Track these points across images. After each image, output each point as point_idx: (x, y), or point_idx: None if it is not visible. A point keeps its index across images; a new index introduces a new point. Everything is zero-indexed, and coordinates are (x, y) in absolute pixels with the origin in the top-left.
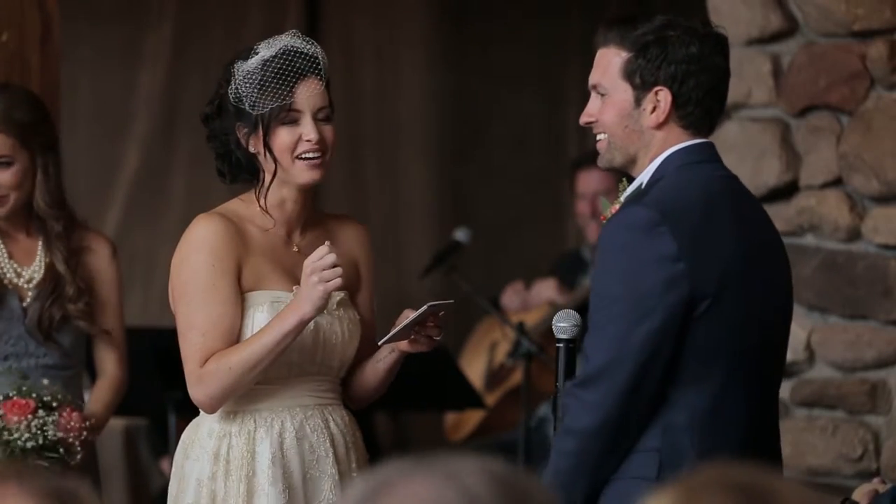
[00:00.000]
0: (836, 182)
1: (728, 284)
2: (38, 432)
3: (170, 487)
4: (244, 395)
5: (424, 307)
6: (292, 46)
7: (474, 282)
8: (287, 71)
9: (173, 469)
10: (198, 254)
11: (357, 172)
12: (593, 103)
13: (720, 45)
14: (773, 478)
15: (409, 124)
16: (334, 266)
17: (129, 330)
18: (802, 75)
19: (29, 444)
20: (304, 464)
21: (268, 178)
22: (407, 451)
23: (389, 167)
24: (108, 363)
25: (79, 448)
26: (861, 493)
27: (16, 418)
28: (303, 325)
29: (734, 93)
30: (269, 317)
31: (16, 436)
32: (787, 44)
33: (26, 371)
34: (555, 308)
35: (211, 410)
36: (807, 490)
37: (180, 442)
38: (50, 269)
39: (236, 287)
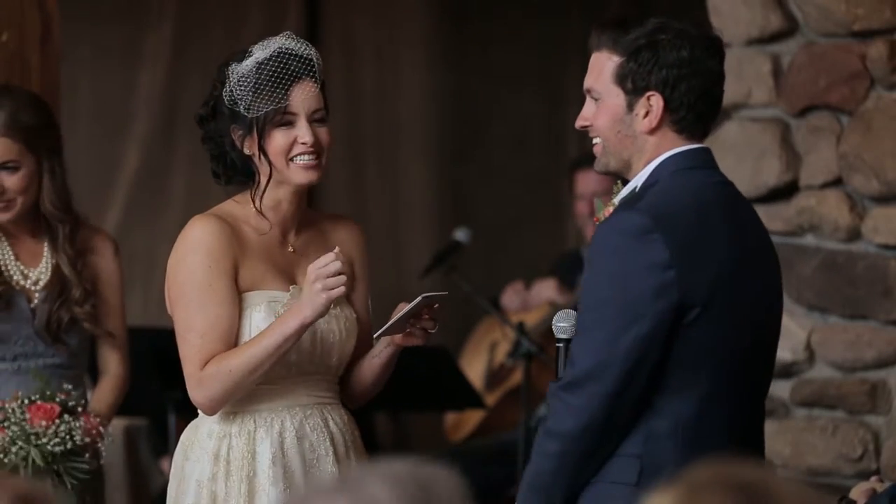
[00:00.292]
0: (836, 182)
1: (719, 292)
2: (67, 437)
3: (169, 489)
4: (244, 395)
5: (419, 298)
6: (287, 48)
7: (474, 282)
8: (282, 73)
9: (172, 470)
10: (194, 255)
11: (357, 172)
12: (588, 107)
13: (713, 47)
14: (773, 477)
15: (409, 124)
16: (339, 273)
17: (129, 330)
18: (802, 75)
19: (57, 449)
20: (305, 463)
21: (263, 180)
22: (407, 451)
23: (389, 167)
24: (112, 363)
25: (103, 451)
26: (858, 491)
27: (44, 423)
28: (304, 329)
29: (734, 93)
30: (266, 316)
31: (44, 440)
32: (787, 44)
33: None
34: (555, 308)
35: (211, 412)
36: (806, 489)
37: (179, 443)
38: (56, 271)
39: (233, 288)
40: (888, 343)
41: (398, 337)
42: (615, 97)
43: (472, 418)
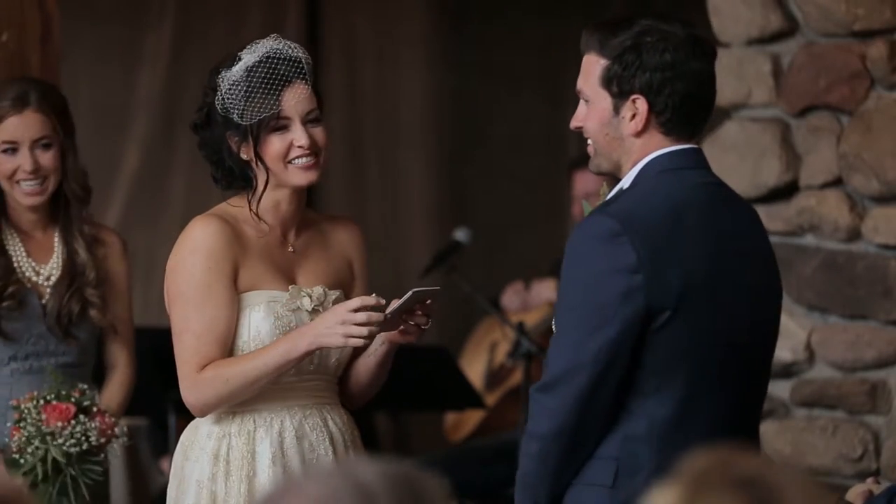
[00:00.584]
0: (836, 182)
1: (691, 296)
2: (82, 437)
3: (169, 489)
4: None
5: (409, 293)
6: (275, 51)
7: (474, 282)
8: (272, 79)
9: (172, 470)
10: (194, 256)
11: (357, 172)
12: (580, 109)
13: (699, 48)
14: (777, 469)
15: (409, 124)
16: (364, 325)
17: None
18: (802, 75)
19: (73, 450)
20: (305, 463)
21: (260, 186)
22: (407, 451)
23: (389, 167)
24: (119, 361)
25: (118, 449)
26: (855, 493)
27: (60, 423)
28: (309, 355)
29: (734, 93)
30: (265, 316)
31: (60, 441)
32: (787, 44)
33: (46, 371)
34: (554, 308)
35: (201, 415)
36: (810, 481)
37: (179, 443)
38: (67, 260)
39: (232, 290)
40: (888, 343)
41: (392, 334)
42: (602, 100)
43: (472, 418)
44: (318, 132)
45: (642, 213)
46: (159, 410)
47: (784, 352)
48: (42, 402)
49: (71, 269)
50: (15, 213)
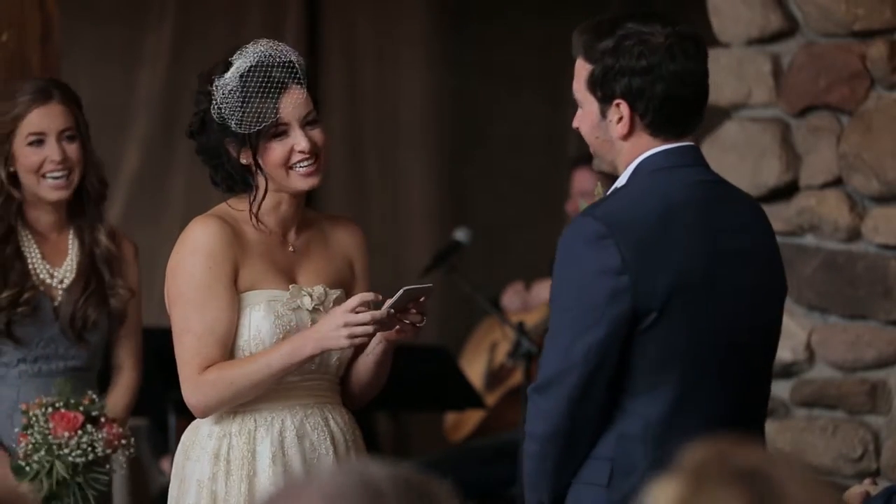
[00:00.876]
0: (836, 182)
1: (679, 298)
2: (89, 448)
3: (170, 489)
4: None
5: (400, 292)
6: (268, 56)
7: (474, 282)
8: (268, 85)
9: (174, 471)
10: (194, 256)
11: (357, 172)
12: (578, 111)
13: (680, 48)
14: (777, 461)
15: (409, 124)
16: (367, 324)
17: None
18: (802, 75)
19: (79, 460)
20: (306, 462)
21: (259, 192)
22: (407, 451)
23: (389, 167)
24: (126, 363)
25: (123, 460)
26: (852, 494)
27: (67, 433)
28: (313, 358)
29: (734, 93)
30: (265, 315)
31: (66, 451)
32: (787, 44)
33: (54, 373)
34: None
35: (202, 416)
36: (811, 474)
37: (180, 443)
38: (82, 262)
39: (232, 290)
40: (888, 343)
41: (389, 333)
42: (590, 104)
43: (472, 418)
44: (317, 133)
45: (630, 215)
46: (159, 410)
47: (784, 352)
48: (51, 409)
49: (86, 272)
50: (32, 215)
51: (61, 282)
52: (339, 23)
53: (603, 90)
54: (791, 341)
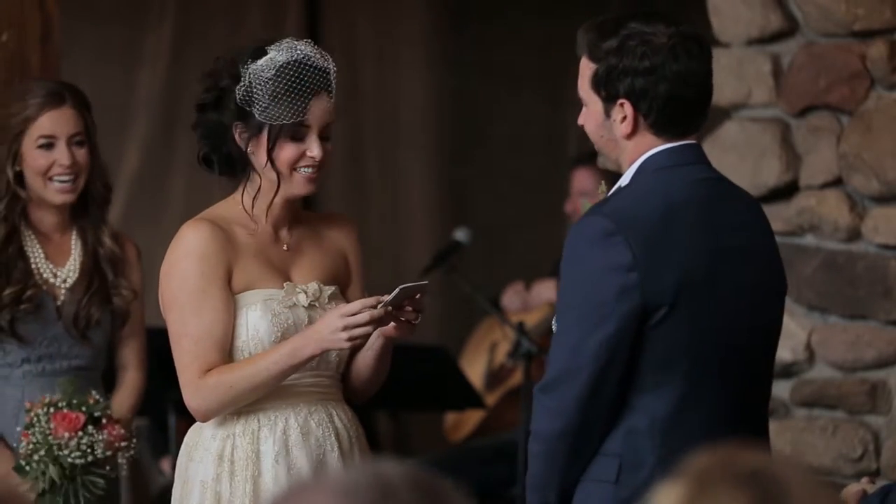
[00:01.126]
0: (836, 182)
1: (687, 293)
2: (88, 450)
3: (174, 490)
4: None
5: (396, 290)
6: (307, 57)
7: (474, 282)
8: (302, 86)
9: (177, 472)
10: (187, 260)
11: (357, 172)
12: (583, 109)
13: (683, 48)
14: (782, 463)
15: (409, 124)
16: (366, 325)
17: None
18: (802, 75)
19: (78, 462)
20: (312, 459)
21: (265, 184)
22: (407, 451)
23: (389, 167)
24: (131, 364)
25: (123, 461)
26: (849, 493)
27: (67, 434)
28: (314, 358)
29: (734, 93)
30: (262, 315)
31: (65, 452)
32: (787, 44)
33: (58, 373)
34: (555, 308)
35: (204, 420)
36: (814, 476)
37: (183, 444)
38: (85, 263)
39: (227, 293)
40: (888, 343)
41: (387, 329)
42: (594, 103)
43: (472, 418)
44: (328, 146)
45: (637, 212)
46: (159, 410)
47: (784, 352)
48: (53, 409)
49: (89, 272)
50: (35, 216)
51: (64, 281)
52: (339, 23)
53: (607, 90)
54: (791, 341)
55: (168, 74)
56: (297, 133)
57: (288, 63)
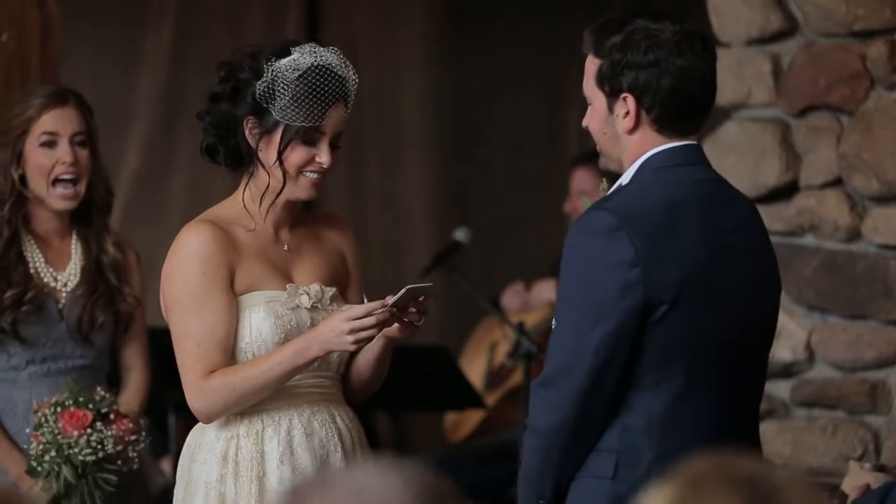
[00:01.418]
0: (836, 182)
1: (688, 291)
2: (98, 446)
3: (175, 491)
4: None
5: (403, 290)
6: (333, 64)
7: (474, 282)
8: (325, 91)
9: (179, 473)
10: (188, 262)
11: (357, 172)
12: (588, 110)
13: (687, 45)
14: (775, 471)
15: (409, 124)
16: (371, 328)
17: None
18: (802, 75)
19: (89, 458)
20: (316, 459)
21: (273, 183)
22: (407, 451)
23: (389, 167)
24: (135, 365)
25: (134, 456)
26: (851, 486)
27: (76, 432)
28: (316, 361)
29: (734, 93)
30: (265, 316)
31: (76, 450)
32: (787, 44)
33: (63, 372)
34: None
35: (207, 421)
36: (807, 481)
37: (186, 445)
38: (86, 267)
39: (229, 294)
40: (888, 343)
41: (389, 330)
42: (598, 100)
43: (472, 418)
44: (336, 155)
45: (640, 209)
46: (159, 410)
47: (784, 352)
48: (60, 408)
49: (92, 277)
50: (35, 221)
51: (65, 285)
52: (339, 23)
53: (611, 84)
54: (791, 341)
55: (168, 74)
56: (310, 137)
57: (313, 67)
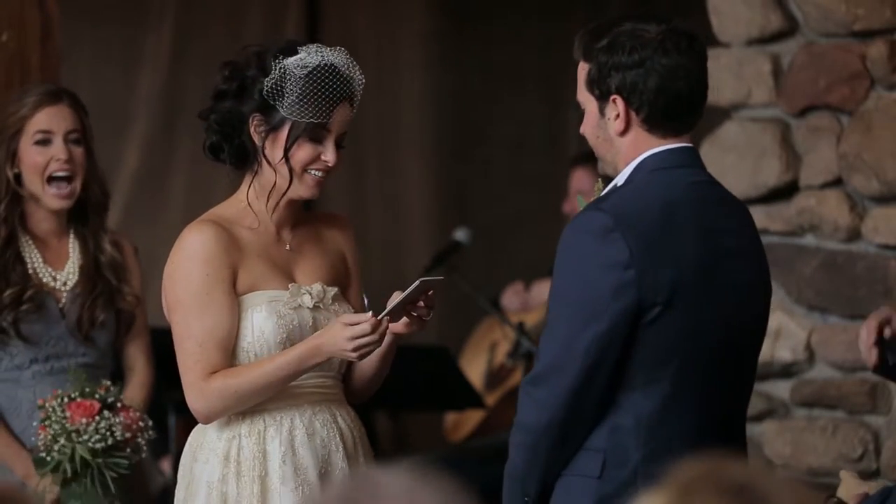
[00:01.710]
0: (836, 182)
1: (681, 292)
2: (107, 433)
3: (177, 491)
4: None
5: (416, 282)
6: (342, 64)
7: (474, 282)
8: (333, 90)
9: (180, 472)
10: (191, 263)
11: (357, 172)
12: (585, 116)
13: (673, 44)
14: (766, 476)
15: (409, 124)
16: (376, 343)
17: None
18: (802, 75)
19: (98, 446)
20: (318, 459)
21: (279, 181)
22: (407, 451)
23: (389, 167)
24: (138, 363)
25: (143, 443)
26: (849, 494)
27: (84, 420)
28: (318, 365)
29: (734, 93)
30: (267, 316)
31: (85, 437)
32: (787, 44)
33: (67, 370)
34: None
35: (207, 422)
36: (799, 487)
37: (187, 445)
38: (85, 266)
39: (231, 295)
40: None
41: (396, 326)
42: (590, 104)
43: (472, 418)
44: (340, 155)
45: (635, 210)
46: (159, 410)
47: (784, 352)
48: (66, 400)
49: (91, 276)
50: (32, 221)
51: (64, 284)
52: (339, 23)
53: (599, 87)
54: (791, 341)
55: (168, 74)
56: (316, 135)
57: (322, 65)
